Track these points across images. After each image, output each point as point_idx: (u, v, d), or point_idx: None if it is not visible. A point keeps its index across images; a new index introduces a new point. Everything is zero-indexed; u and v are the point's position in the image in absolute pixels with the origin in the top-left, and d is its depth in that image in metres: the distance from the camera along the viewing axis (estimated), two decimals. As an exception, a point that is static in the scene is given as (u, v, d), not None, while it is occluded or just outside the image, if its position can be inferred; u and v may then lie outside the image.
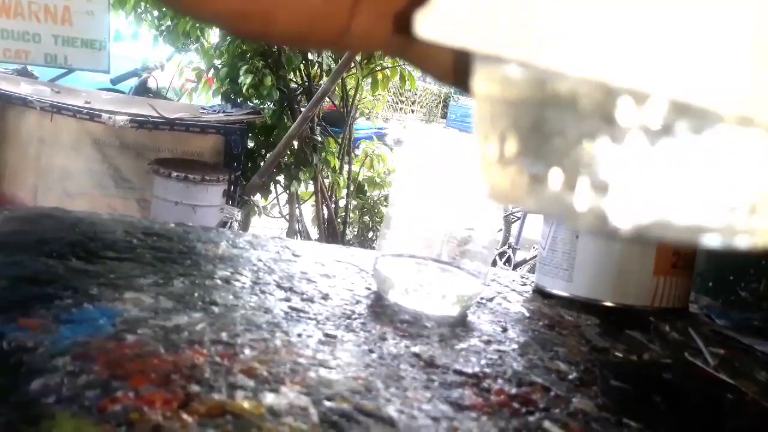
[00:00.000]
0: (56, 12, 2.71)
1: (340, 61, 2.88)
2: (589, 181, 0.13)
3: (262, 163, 3.09)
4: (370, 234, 3.55)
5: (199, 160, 2.75)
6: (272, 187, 3.29)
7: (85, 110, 2.49)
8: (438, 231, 0.61)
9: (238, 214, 2.67)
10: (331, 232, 3.34)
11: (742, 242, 0.13)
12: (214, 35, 3.20)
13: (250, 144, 3.11)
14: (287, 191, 3.29)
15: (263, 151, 3.20)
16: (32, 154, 2.64)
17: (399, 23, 0.20)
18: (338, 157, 3.40)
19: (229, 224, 2.55)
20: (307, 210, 3.55)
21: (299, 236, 3.32)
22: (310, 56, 3.09)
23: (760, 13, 0.11)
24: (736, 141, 0.12)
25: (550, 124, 0.14)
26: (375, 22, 0.20)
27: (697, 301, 0.76)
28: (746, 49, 0.12)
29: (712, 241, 0.13)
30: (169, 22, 3.27)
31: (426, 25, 0.15)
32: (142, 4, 3.25)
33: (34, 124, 2.60)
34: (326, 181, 3.38)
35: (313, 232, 3.47)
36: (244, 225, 2.98)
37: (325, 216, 3.37)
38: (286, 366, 0.40)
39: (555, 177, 0.14)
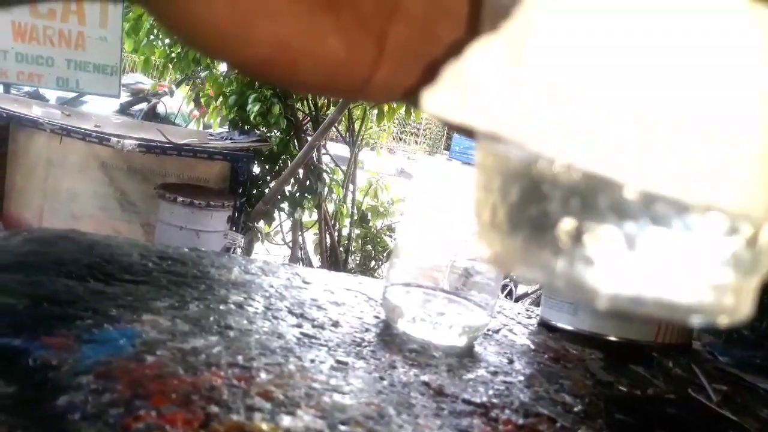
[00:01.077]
0: (70, 37, 2.76)
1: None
2: (573, 255, 0.15)
3: (267, 190, 3.11)
4: (372, 263, 3.56)
5: (204, 185, 2.77)
6: (276, 214, 3.31)
7: (95, 134, 2.51)
8: (445, 262, 0.62)
9: (241, 240, 2.68)
10: (334, 261, 3.35)
11: (714, 319, 0.15)
12: (223, 63, 3.24)
13: (256, 171, 3.14)
14: (291, 218, 3.31)
15: (269, 178, 3.22)
16: (40, 176, 2.67)
17: (420, 78, 0.21)
18: (342, 186, 3.43)
19: (232, 250, 2.56)
20: (310, 238, 3.56)
21: (302, 264, 3.33)
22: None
23: (725, 112, 0.13)
24: (706, 226, 0.14)
25: (537, 201, 0.15)
26: (396, 75, 0.22)
27: (699, 338, 0.77)
28: (713, 148, 0.13)
29: (685, 317, 0.15)
30: (179, 49, 3.33)
31: (431, 103, 0.17)
32: (155, 31, 3.31)
33: (44, 146, 2.63)
34: (330, 210, 3.40)
35: (316, 259, 3.48)
36: (247, 251, 2.99)
37: (328, 244, 3.38)
38: (301, 390, 0.41)
39: (541, 249, 0.15)
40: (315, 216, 3.35)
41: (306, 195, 3.16)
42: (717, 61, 0.13)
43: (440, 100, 0.17)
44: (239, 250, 2.67)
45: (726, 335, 0.79)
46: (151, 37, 3.30)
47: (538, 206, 0.15)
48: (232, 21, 0.19)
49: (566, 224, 0.15)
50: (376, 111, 3.34)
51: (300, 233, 3.42)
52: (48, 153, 2.65)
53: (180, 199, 2.42)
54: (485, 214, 0.17)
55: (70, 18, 2.72)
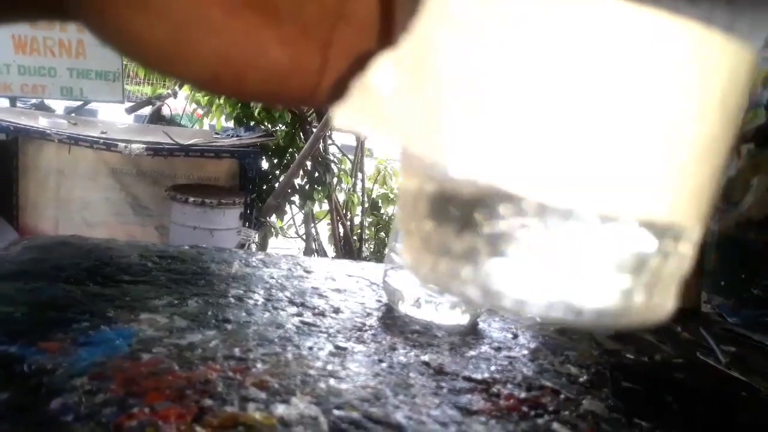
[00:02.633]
0: (71, 46, 2.77)
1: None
2: (484, 264, 0.15)
3: (276, 185, 3.12)
4: (387, 250, 3.55)
5: (215, 184, 2.79)
6: (287, 208, 3.31)
7: (102, 140, 2.53)
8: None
9: (255, 236, 2.69)
10: (348, 250, 3.35)
11: (628, 322, 0.15)
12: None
13: (264, 166, 3.14)
14: (302, 211, 3.32)
15: (277, 172, 3.23)
16: (52, 186, 2.69)
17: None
18: (351, 175, 3.42)
19: (246, 246, 2.57)
20: (323, 229, 3.56)
21: (316, 255, 3.33)
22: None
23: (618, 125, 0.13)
24: (617, 231, 0.14)
25: (446, 212, 0.15)
26: (344, 80, 0.21)
27: (709, 301, 0.76)
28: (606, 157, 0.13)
29: (597, 321, 0.15)
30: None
31: (339, 119, 0.16)
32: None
33: (53, 157, 2.66)
34: (341, 199, 3.40)
35: (330, 250, 3.48)
36: (262, 246, 3.00)
37: (341, 234, 3.39)
38: (297, 378, 0.41)
39: (453, 260, 0.15)
40: (326, 207, 3.36)
41: (315, 186, 3.17)
42: (629, 71, 0.13)
43: (349, 113, 0.16)
44: (254, 246, 2.68)
45: (736, 296, 0.78)
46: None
47: (447, 218, 0.15)
48: (172, 39, 0.19)
49: (475, 234, 0.15)
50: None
51: (313, 225, 3.43)
52: (58, 163, 2.67)
53: (191, 199, 2.43)
54: (405, 224, 0.17)
55: (69, 27, 2.73)
